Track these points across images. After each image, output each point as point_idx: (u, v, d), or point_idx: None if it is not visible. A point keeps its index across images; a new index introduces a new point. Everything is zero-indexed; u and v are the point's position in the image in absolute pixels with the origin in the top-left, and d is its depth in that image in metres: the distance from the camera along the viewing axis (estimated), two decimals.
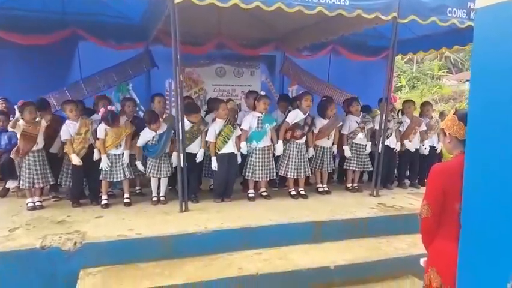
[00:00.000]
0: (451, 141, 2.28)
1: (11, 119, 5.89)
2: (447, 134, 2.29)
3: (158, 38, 6.45)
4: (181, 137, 4.62)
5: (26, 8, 6.03)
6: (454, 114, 2.26)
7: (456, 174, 2.12)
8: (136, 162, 5.11)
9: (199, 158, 5.14)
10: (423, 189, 6.07)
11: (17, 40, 6.00)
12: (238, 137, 5.29)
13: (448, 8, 5.03)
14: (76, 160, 4.84)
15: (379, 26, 5.71)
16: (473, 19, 5.00)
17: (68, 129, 4.88)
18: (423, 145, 6.33)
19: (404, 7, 4.88)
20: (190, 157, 4.94)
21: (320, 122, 5.66)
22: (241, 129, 5.26)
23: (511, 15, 1.76)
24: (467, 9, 5.09)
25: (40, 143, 4.84)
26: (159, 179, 5.14)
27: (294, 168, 5.41)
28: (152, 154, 5.06)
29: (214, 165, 5.12)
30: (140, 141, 5.06)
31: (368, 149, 5.94)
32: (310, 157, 5.68)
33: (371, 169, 5.99)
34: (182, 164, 4.64)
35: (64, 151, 5.04)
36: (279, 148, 5.37)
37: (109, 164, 4.91)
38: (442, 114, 7.16)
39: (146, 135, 5.04)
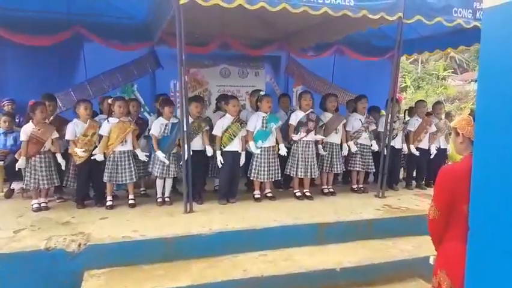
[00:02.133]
0: (463, 141, 2.26)
1: (16, 120, 5.95)
2: (460, 134, 2.26)
3: (163, 39, 6.46)
4: (185, 136, 4.63)
5: (31, 9, 6.04)
6: (469, 114, 2.23)
7: (465, 176, 2.09)
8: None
9: (208, 153, 5.09)
10: (429, 191, 6.13)
11: (22, 41, 6.02)
12: (244, 138, 5.28)
13: (454, 8, 4.99)
14: (80, 152, 4.80)
15: (384, 26, 5.68)
16: (479, 19, 5.01)
17: (75, 128, 4.89)
18: (435, 148, 6.31)
19: (410, 7, 4.85)
20: (193, 155, 4.90)
21: (324, 117, 5.67)
22: (246, 131, 5.25)
23: None
24: (473, 9, 5.05)
25: (47, 145, 4.84)
26: (164, 179, 5.13)
27: (302, 168, 5.39)
28: (163, 147, 5.01)
29: (219, 159, 5.10)
30: (154, 130, 5.00)
31: (375, 147, 5.88)
32: (322, 155, 5.69)
33: (373, 170, 6.02)
34: (186, 163, 4.64)
35: (69, 152, 5.04)
36: (283, 149, 5.33)
37: (112, 161, 4.88)
38: (448, 115, 7.11)
39: (161, 121, 5.05)
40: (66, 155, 5.32)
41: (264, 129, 5.23)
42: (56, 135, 4.93)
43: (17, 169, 4.79)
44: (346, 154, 5.80)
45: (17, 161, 5.00)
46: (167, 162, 4.98)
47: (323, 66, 8.28)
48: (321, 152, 5.65)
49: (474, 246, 2.02)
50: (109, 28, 6.57)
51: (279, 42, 7.83)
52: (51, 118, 5.21)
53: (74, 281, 3.54)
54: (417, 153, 6.17)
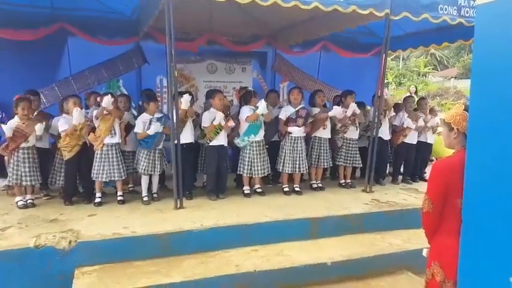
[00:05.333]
0: (457, 136, 2.29)
1: None
2: (455, 129, 2.29)
3: (149, 34, 6.38)
4: (174, 131, 4.59)
5: (14, 3, 5.89)
6: (464, 110, 2.26)
7: (458, 170, 2.13)
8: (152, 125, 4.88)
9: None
10: (415, 185, 6.24)
11: (5, 36, 5.86)
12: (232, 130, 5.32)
13: (440, 5, 5.06)
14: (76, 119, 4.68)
15: (369, 23, 5.74)
16: (463, 16, 5.10)
17: (67, 122, 4.78)
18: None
19: (397, 4, 4.90)
20: (182, 149, 4.81)
21: (312, 112, 5.69)
22: (240, 119, 5.27)
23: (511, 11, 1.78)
24: (458, 6, 5.14)
25: (31, 141, 4.75)
26: (150, 177, 5.09)
27: (291, 164, 5.41)
28: (148, 144, 4.95)
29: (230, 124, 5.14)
30: (138, 128, 4.94)
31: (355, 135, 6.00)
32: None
33: (360, 165, 6.06)
34: (175, 159, 4.59)
35: (58, 146, 4.94)
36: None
37: (99, 157, 4.83)
38: (432, 111, 7.20)
39: (144, 118, 4.97)
40: (52, 151, 5.25)
41: (256, 122, 5.25)
42: (40, 130, 4.81)
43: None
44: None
45: (1, 158, 4.91)
46: (160, 127, 4.90)
47: (308, 63, 8.29)
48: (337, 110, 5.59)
49: (467, 239, 2.07)
50: (94, 23, 6.45)
51: (266, 39, 7.81)
52: (35, 114, 5.11)
53: (65, 278, 3.49)
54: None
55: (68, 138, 4.77)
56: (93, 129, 4.90)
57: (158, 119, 5.00)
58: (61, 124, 4.81)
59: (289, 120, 5.42)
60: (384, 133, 6.08)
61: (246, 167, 5.28)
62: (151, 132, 4.89)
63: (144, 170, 4.98)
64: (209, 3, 4.34)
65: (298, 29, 6.99)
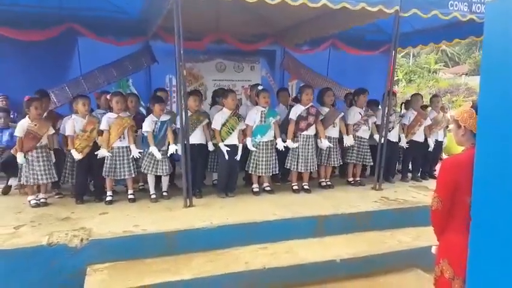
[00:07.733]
0: (465, 134, 2.28)
1: (11, 115, 5.89)
2: (462, 126, 2.28)
3: (157, 34, 6.42)
4: (183, 130, 4.62)
5: (23, 4, 5.97)
6: (471, 107, 2.25)
7: (467, 167, 2.12)
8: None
9: (210, 148, 5.25)
10: (425, 183, 6.21)
11: (14, 36, 5.96)
12: (243, 132, 5.31)
13: (450, 1, 5.01)
14: (76, 155, 4.81)
15: (379, 20, 5.70)
16: (474, 12, 5.04)
17: (75, 123, 4.87)
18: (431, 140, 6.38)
19: (406, 0, 4.87)
20: (192, 148, 4.85)
21: (322, 111, 5.66)
22: (246, 125, 5.27)
23: None
24: (469, 2, 5.08)
25: (44, 140, 4.81)
26: (157, 176, 5.13)
27: (302, 162, 5.40)
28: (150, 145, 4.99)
29: (224, 151, 5.09)
30: (146, 127, 4.97)
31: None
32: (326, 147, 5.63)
33: (371, 163, 6.01)
34: (185, 158, 4.62)
35: (68, 148, 5.01)
36: (280, 143, 5.34)
37: (111, 156, 4.87)
38: (442, 108, 7.15)
39: (151, 118, 5.02)
40: (61, 151, 5.32)
41: (263, 123, 5.25)
42: (52, 131, 4.91)
43: (19, 166, 4.75)
44: (348, 145, 5.78)
45: (13, 156, 4.98)
46: (159, 156, 4.94)
47: (318, 61, 8.28)
48: (325, 144, 5.53)
49: (476, 236, 2.05)
50: (102, 23, 6.51)
51: (274, 37, 7.81)
52: (45, 114, 5.17)
53: (77, 275, 3.54)
54: (406, 145, 6.21)
55: (78, 140, 4.83)
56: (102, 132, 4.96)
57: (162, 123, 5.03)
58: (68, 127, 4.88)
59: (300, 119, 5.40)
60: (393, 135, 6.03)
61: (251, 165, 5.31)
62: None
63: (145, 168, 5.02)
64: (216, 3, 4.34)
65: (305, 27, 6.97)
